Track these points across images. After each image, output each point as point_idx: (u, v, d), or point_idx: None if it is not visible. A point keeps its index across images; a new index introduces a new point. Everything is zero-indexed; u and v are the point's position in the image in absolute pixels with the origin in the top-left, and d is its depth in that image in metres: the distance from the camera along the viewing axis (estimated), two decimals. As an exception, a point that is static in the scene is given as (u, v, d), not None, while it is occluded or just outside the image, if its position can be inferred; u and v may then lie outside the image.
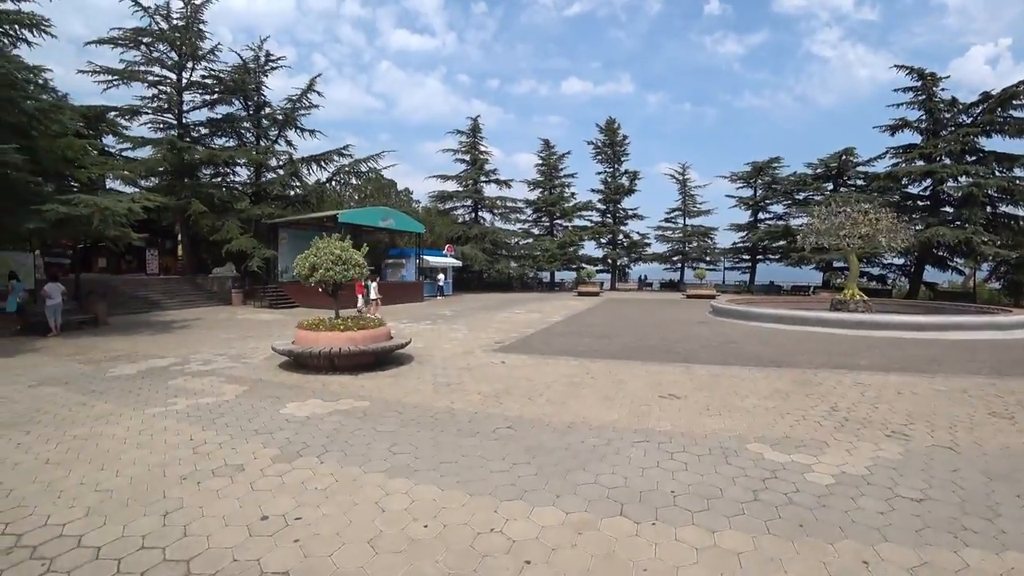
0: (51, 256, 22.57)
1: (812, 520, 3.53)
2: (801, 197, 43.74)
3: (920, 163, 34.08)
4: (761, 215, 47.70)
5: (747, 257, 48.40)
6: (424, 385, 7.71)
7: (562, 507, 3.76)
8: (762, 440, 5.20)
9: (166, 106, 29.35)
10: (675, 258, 50.07)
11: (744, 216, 48.92)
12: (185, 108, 30.17)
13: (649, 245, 50.85)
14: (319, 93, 32.49)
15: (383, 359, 9.32)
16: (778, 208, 46.74)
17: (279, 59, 32.51)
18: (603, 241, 50.04)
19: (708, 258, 48.97)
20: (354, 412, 6.34)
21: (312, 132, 32.98)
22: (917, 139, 35.99)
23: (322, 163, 32.98)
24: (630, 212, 50.63)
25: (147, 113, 29.71)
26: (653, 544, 3.25)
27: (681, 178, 50.44)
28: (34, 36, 21.81)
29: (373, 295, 19.61)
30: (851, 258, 19.52)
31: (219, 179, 31.57)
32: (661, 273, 53.80)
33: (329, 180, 33.81)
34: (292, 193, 32.69)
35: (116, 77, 28.35)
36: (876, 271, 40.52)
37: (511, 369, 8.77)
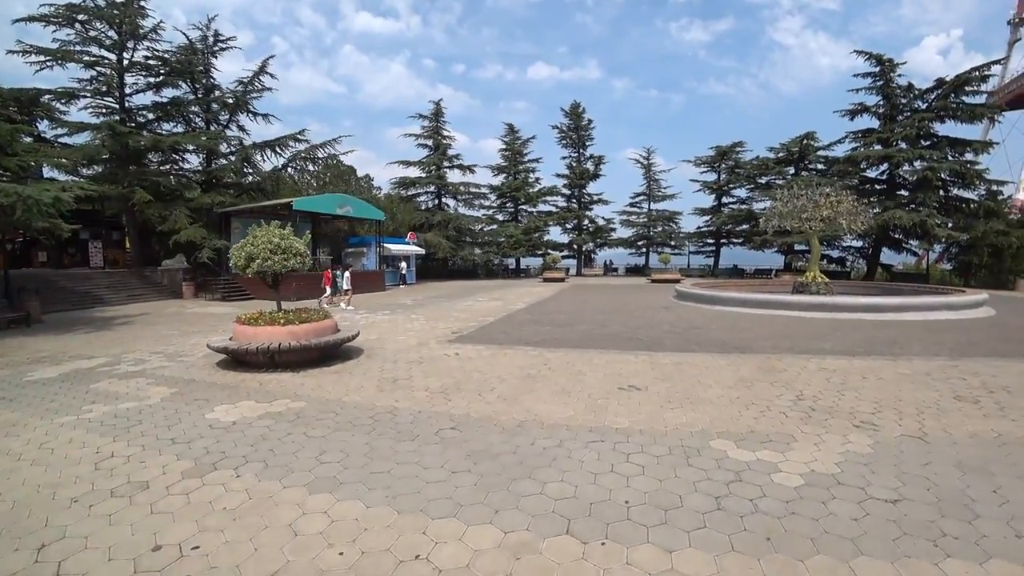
0: None
1: (780, 532, 3.15)
2: (763, 181, 44.33)
3: (878, 147, 34.71)
4: (725, 199, 48.20)
5: (711, 241, 48.91)
6: (369, 382, 7.16)
7: (501, 525, 3.29)
8: (726, 436, 4.84)
9: (105, 89, 27.51)
10: (640, 243, 50.24)
11: (708, 200, 49.42)
12: (128, 91, 28.38)
13: (615, 230, 50.85)
14: (272, 75, 31.07)
15: (329, 354, 8.71)
16: (741, 192, 47.34)
17: (229, 39, 30.90)
18: (568, 226, 49.83)
19: (673, 243, 49.29)
20: (287, 415, 5.76)
21: (265, 116, 31.56)
22: (875, 124, 36.68)
23: (277, 149, 31.58)
24: (595, 197, 50.46)
25: (85, 97, 27.80)
26: (601, 570, 2.81)
27: (646, 163, 50.45)
28: None
29: (346, 285, 19.00)
30: (813, 240, 19.62)
31: (168, 166, 29.99)
32: (627, 258, 53.97)
33: (285, 167, 32.45)
34: (246, 181, 31.30)
35: (49, 58, 26.41)
36: (836, 253, 41.47)
37: (465, 361, 8.28)
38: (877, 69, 35.13)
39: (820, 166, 41.51)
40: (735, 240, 47.66)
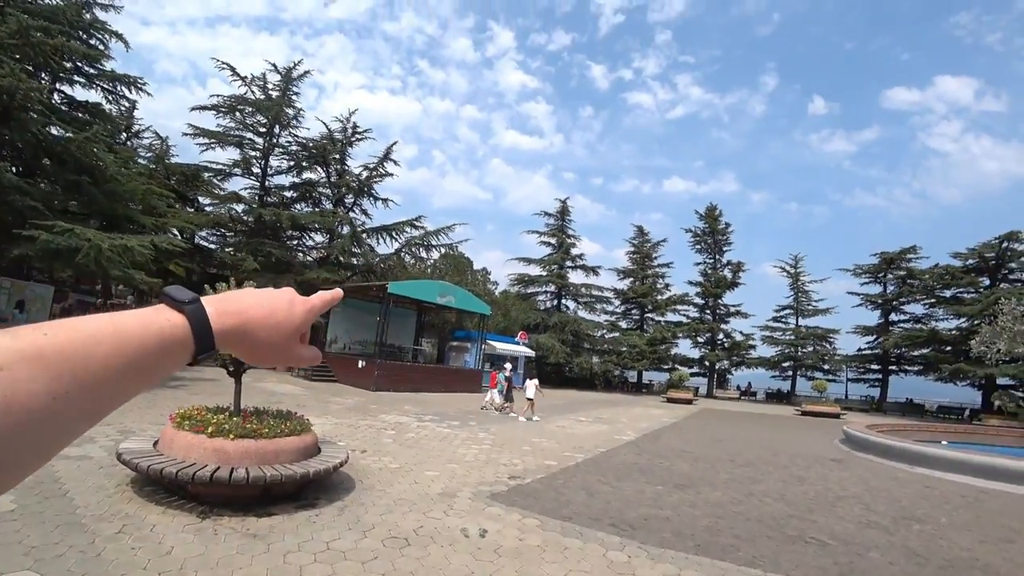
0: (79, 293, 21.79)
1: None
2: (948, 295, 35.98)
3: None
4: (894, 316, 40.03)
5: (877, 367, 40.38)
6: (268, 586, 3.67)
7: None
8: None
9: (244, 169, 29.51)
10: (785, 364, 42.90)
11: (872, 317, 41.53)
12: (270, 172, 30.10)
13: (754, 347, 44.20)
14: (395, 162, 31.52)
15: (278, 492, 5.40)
16: (916, 308, 38.97)
17: (365, 131, 32.10)
18: (700, 340, 44.11)
19: (827, 366, 41.39)
20: None
21: (385, 201, 31.78)
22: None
23: (393, 233, 31.36)
24: (732, 309, 44.73)
25: (236, 175, 30.07)
26: None
27: (793, 271, 44.21)
28: (131, 93, 22.53)
29: (529, 393, 15.49)
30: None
31: (295, 241, 30.85)
32: (767, 381, 46.46)
33: (398, 252, 31.97)
34: (360, 262, 31.04)
35: (213, 140, 28.84)
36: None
37: (482, 560, 4.48)
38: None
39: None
40: (909, 368, 38.85)
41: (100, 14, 21.57)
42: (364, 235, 30.91)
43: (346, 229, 30.53)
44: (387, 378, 20.91)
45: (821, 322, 43.12)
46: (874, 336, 39.99)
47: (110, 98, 22.82)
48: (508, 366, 30.90)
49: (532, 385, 15.86)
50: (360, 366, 21.53)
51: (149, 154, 31.40)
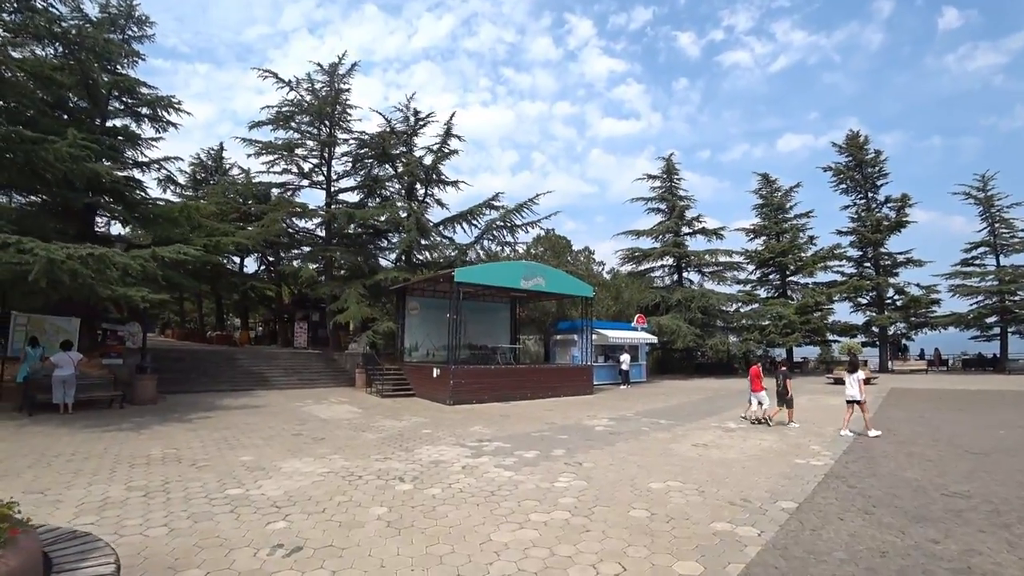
0: (109, 323, 20.20)
1: None
2: None
3: None
4: None
5: None
6: None
7: None
8: None
9: (306, 177, 27.46)
10: (989, 320, 32.90)
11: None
12: (335, 177, 27.75)
13: (938, 303, 34.46)
14: (459, 137, 27.72)
15: None
16: None
17: (428, 116, 28.53)
18: (863, 301, 35.43)
19: (1053, 316, 30.97)
20: None
21: (455, 184, 28.00)
22: None
23: (470, 219, 27.52)
24: (900, 257, 35.47)
25: (303, 187, 28.36)
26: None
27: (982, 195, 34.03)
28: (170, 115, 20.72)
29: (855, 392, 10.30)
30: None
31: (371, 245, 28.34)
32: (962, 344, 36.23)
33: (479, 239, 28.01)
34: (436, 256, 27.57)
35: (276, 155, 27.04)
36: None
37: None
38: None
39: None
40: None
41: (137, 46, 20.14)
42: (441, 226, 27.39)
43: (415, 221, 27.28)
44: (467, 387, 16.90)
45: (1035, 258, 32.56)
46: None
47: (157, 126, 21.25)
48: (625, 356, 26.05)
49: (855, 380, 10.25)
50: (435, 375, 17.77)
51: (235, 186, 30.95)
